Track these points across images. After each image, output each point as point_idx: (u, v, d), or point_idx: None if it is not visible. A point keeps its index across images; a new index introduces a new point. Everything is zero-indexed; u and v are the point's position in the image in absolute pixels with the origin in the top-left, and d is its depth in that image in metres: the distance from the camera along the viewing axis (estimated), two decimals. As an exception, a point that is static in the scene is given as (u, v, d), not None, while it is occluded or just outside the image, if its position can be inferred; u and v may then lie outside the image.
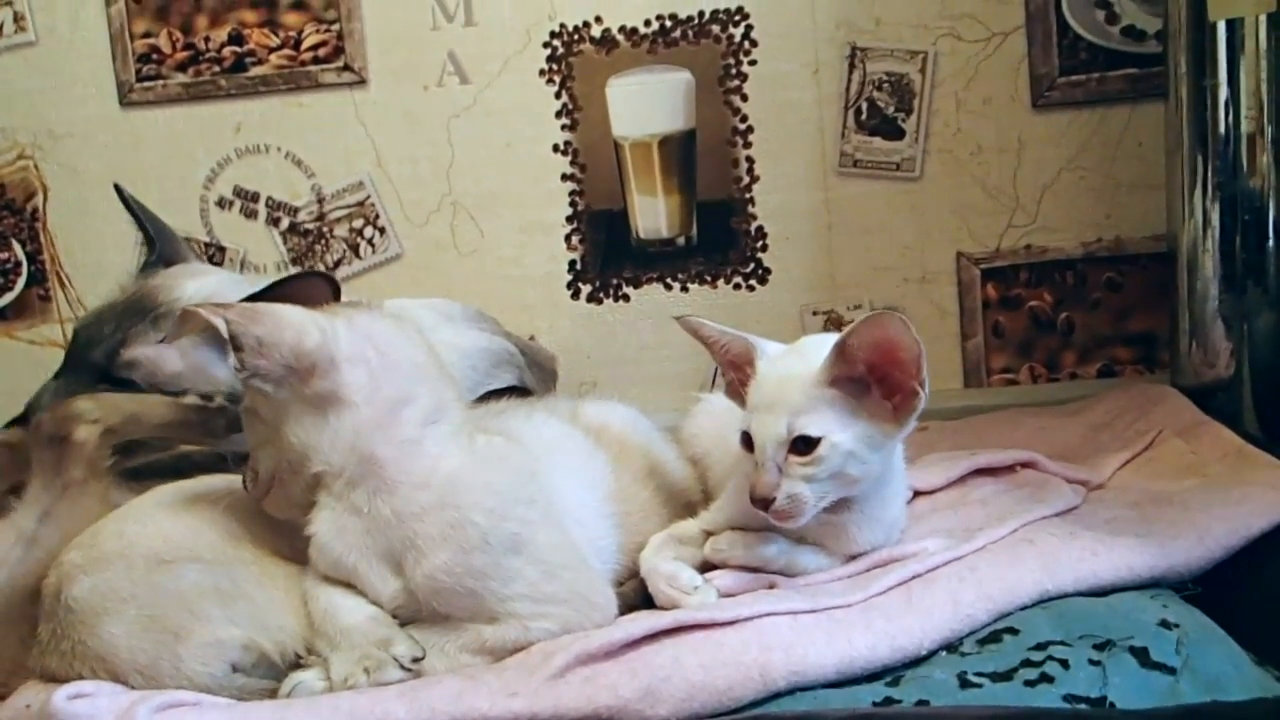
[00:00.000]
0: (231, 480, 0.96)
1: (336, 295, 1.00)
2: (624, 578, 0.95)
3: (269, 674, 0.84)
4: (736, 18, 1.51)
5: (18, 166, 1.62)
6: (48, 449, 0.95)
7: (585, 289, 1.58)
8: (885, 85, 1.51)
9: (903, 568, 0.90)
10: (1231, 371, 1.31)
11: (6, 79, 1.59)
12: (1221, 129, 1.27)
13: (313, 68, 1.56)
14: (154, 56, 1.58)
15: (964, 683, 0.78)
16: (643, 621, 0.83)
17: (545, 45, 1.53)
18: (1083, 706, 0.75)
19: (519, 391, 1.18)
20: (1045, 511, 1.00)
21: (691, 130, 1.54)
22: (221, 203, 1.60)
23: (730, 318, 1.52)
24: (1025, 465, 1.13)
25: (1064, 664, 0.78)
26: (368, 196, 1.58)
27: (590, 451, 1.00)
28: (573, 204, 1.56)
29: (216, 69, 1.57)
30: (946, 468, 1.12)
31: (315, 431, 0.84)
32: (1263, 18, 1.24)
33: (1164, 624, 0.82)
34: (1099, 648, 0.79)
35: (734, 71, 1.52)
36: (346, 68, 1.56)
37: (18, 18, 1.58)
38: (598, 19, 1.53)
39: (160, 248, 1.18)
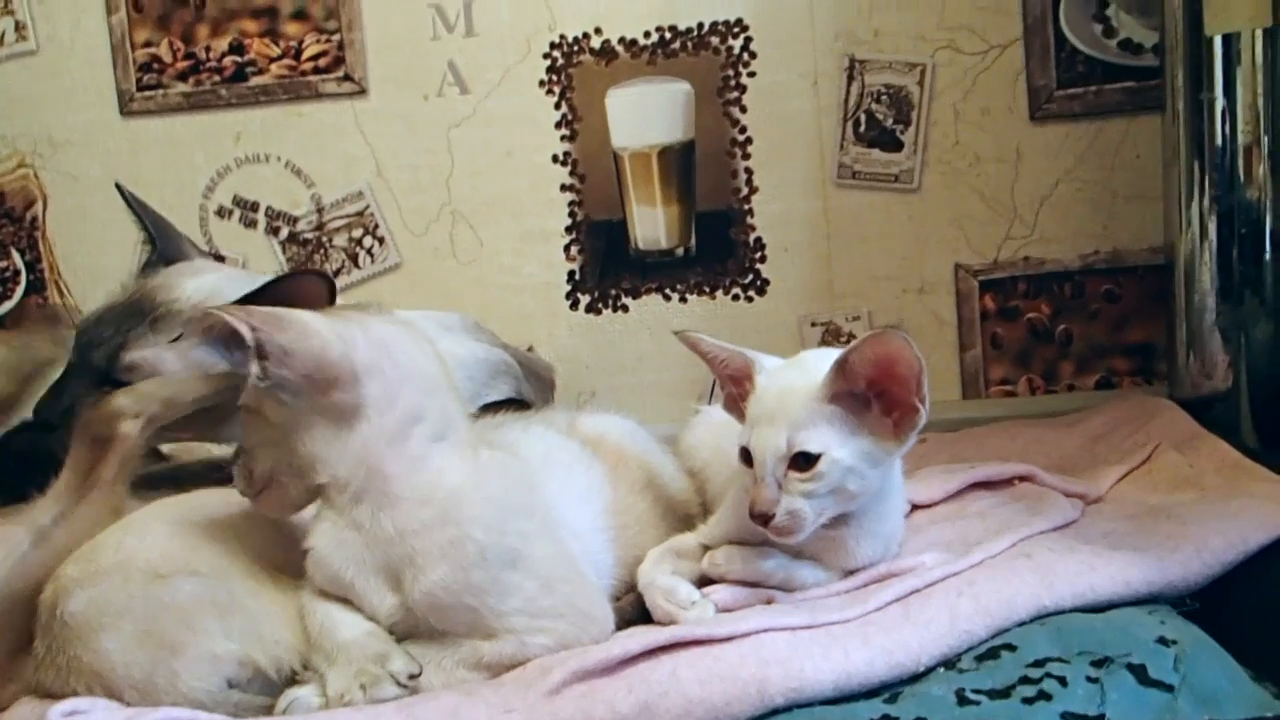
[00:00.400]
0: (231, 493, 0.96)
1: (332, 295, 0.99)
2: (621, 592, 0.95)
3: (265, 690, 0.84)
4: (736, 29, 1.52)
5: (18, 175, 1.62)
6: (90, 449, 0.94)
7: (584, 299, 1.58)
8: (884, 97, 1.51)
9: (901, 582, 0.90)
10: (1229, 383, 1.31)
11: (7, 87, 1.59)
12: (1218, 141, 1.28)
13: (313, 77, 1.56)
14: (155, 66, 1.58)
15: (962, 699, 0.78)
16: (640, 637, 0.83)
17: (545, 56, 1.54)
18: (1080, 724, 0.75)
19: (516, 404, 1.18)
20: (1043, 525, 1.00)
21: (690, 141, 1.54)
22: (221, 212, 1.60)
23: (729, 328, 1.53)
24: (1023, 478, 1.13)
25: (1062, 681, 0.78)
26: (367, 206, 1.58)
27: (588, 463, 0.99)
28: (572, 214, 1.56)
29: (217, 78, 1.58)
30: (944, 481, 1.12)
31: (325, 443, 0.83)
32: (1259, 31, 1.24)
33: (1162, 640, 0.81)
34: (1097, 664, 0.79)
35: (733, 83, 1.52)
36: (347, 77, 1.56)
37: (19, 26, 1.58)
38: (598, 30, 1.53)
39: (161, 246, 1.17)
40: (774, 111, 1.52)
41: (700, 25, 1.52)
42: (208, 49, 1.57)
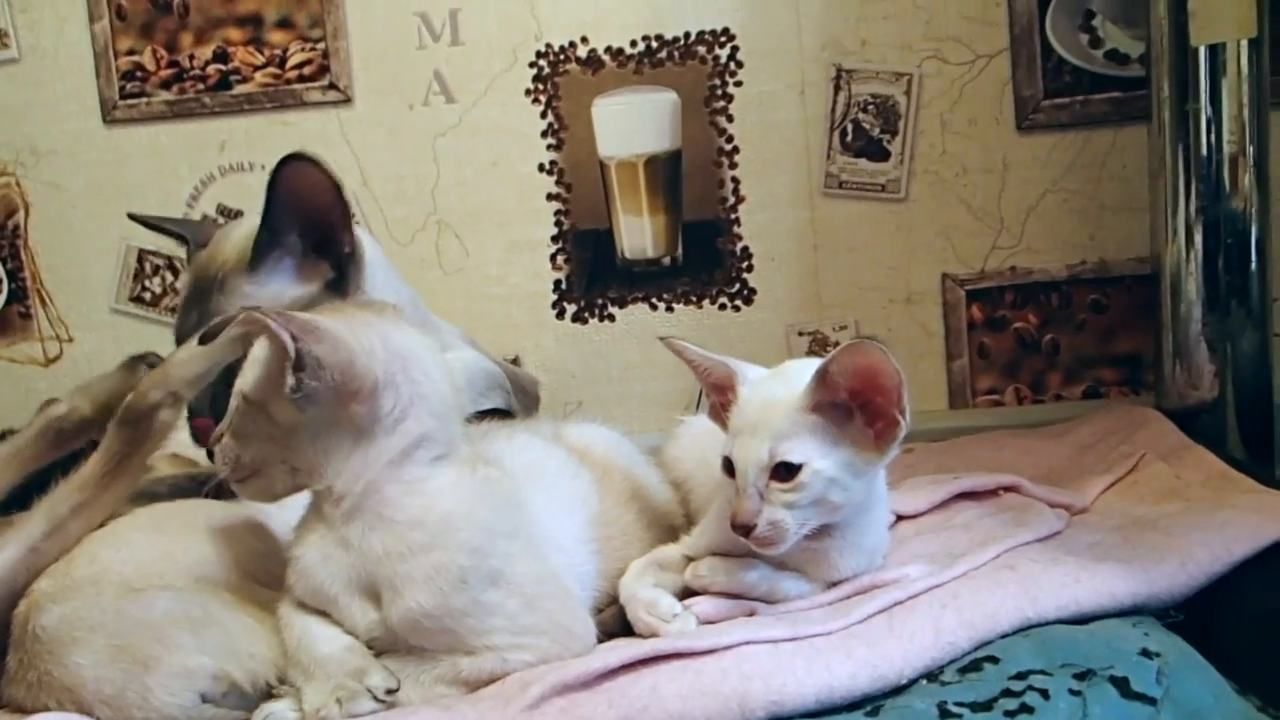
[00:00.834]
0: (211, 505, 0.95)
1: (327, 175, 1.06)
2: (604, 604, 0.94)
3: (240, 704, 0.83)
4: (723, 39, 1.52)
5: (0, 184, 1.61)
6: (127, 438, 0.93)
7: (570, 308, 1.57)
8: (870, 106, 1.51)
9: (884, 594, 0.89)
10: (1215, 393, 1.31)
11: (-10, 95, 1.59)
12: (1204, 151, 1.28)
13: (298, 86, 1.56)
14: (138, 74, 1.57)
15: (944, 712, 0.77)
16: (620, 651, 0.82)
17: (531, 65, 1.53)
18: (1063, 738, 0.74)
19: (501, 414, 1.17)
20: (1028, 536, 1.00)
21: (677, 150, 1.54)
22: (205, 221, 1.59)
23: (716, 337, 1.53)
24: (1008, 489, 1.12)
25: (1044, 694, 0.77)
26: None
27: (574, 473, 0.98)
28: (558, 223, 1.56)
29: (201, 86, 1.57)
30: (929, 492, 1.11)
31: (329, 453, 0.82)
32: (1244, 42, 1.25)
33: (1145, 653, 0.81)
34: (1080, 677, 0.78)
35: (720, 92, 1.52)
36: (332, 86, 1.56)
37: (1, 35, 1.58)
38: (584, 39, 1.53)
39: (192, 237, 1.24)
40: (761, 121, 1.52)
41: (687, 35, 1.52)
42: (192, 57, 1.56)
